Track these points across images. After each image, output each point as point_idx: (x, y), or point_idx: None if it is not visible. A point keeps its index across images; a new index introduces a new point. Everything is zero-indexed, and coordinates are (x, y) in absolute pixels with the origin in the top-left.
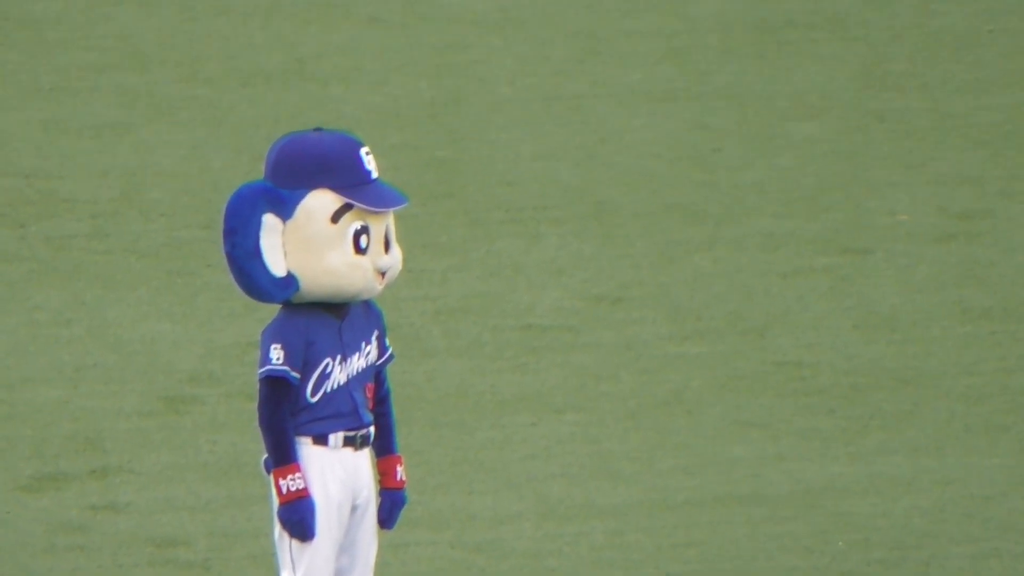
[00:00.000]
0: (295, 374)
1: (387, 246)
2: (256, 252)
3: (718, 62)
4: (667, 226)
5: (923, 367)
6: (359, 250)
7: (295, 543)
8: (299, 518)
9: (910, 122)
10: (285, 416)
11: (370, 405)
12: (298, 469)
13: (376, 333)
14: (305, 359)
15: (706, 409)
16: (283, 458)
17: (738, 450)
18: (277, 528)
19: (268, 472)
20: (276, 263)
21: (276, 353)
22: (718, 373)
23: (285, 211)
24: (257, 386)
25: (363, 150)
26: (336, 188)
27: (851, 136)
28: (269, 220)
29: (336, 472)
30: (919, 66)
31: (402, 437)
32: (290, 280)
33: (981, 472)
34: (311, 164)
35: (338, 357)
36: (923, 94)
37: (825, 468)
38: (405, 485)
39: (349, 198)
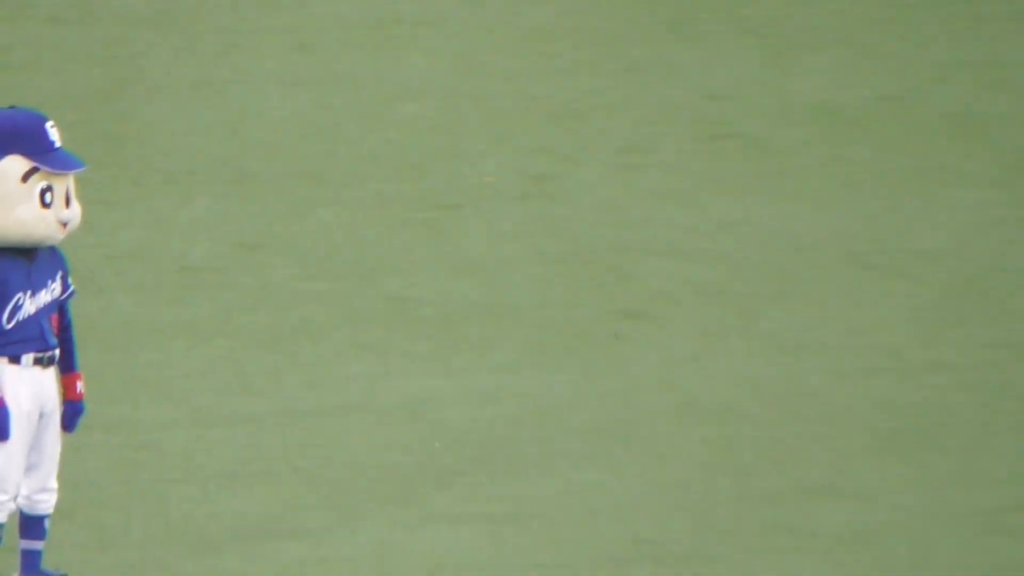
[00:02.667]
0: None
1: (68, 202)
2: None
3: (339, 52)
4: (297, 188)
5: (505, 302)
6: (44, 205)
7: None
8: None
9: (497, 103)
10: None
11: (55, 332)
12: None
13: (60, 273)
14: (1, 294)
15: (328, 336)
16: None
17: (354, 369)
18: None
19: None
20: None
21: None
22: (338, 307)
23: None
24: None
25: (49, 124)
26: (26, 154)
27: (448, 114)
28: None
29: (27, 386)
30: (506, 57)
31: (81, 358)
32: None
33: (552, 387)
34: (4, 134)
35: (28, 292)
36: (508, 80)
37: (425, 383)
38: (83, 397)
39: (36, 162)
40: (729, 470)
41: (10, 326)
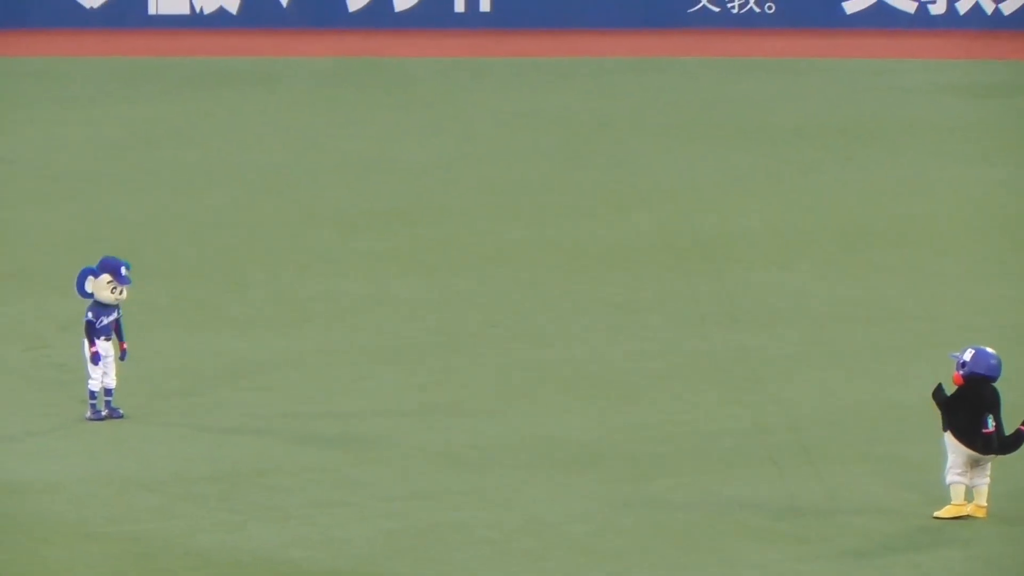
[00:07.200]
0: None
1: (123, 292)
2: (83, 287)
3: None
4: None
5: None
6: (113, 293)
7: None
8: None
9: None
10: (91, 331)
11: (115, 329)
12: (95, 344)
13: (119, 310)
14: (101, 317)
15: None
16: (91, 341)
17: None
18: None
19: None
20: (89, 289)
21: (90, 315)
22: None
23: (97, 275)
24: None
25: (123, 266)
26: (110, 274)
27: None
28: (89, 278)
29: (104, 348)
30: None
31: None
32: (92, 295)
33: None
34: (106, 266)
35: (108, 315)
36: None
37: None
38: (126, 349)
39: (114, 278)
40: None
41: (99, 327)
